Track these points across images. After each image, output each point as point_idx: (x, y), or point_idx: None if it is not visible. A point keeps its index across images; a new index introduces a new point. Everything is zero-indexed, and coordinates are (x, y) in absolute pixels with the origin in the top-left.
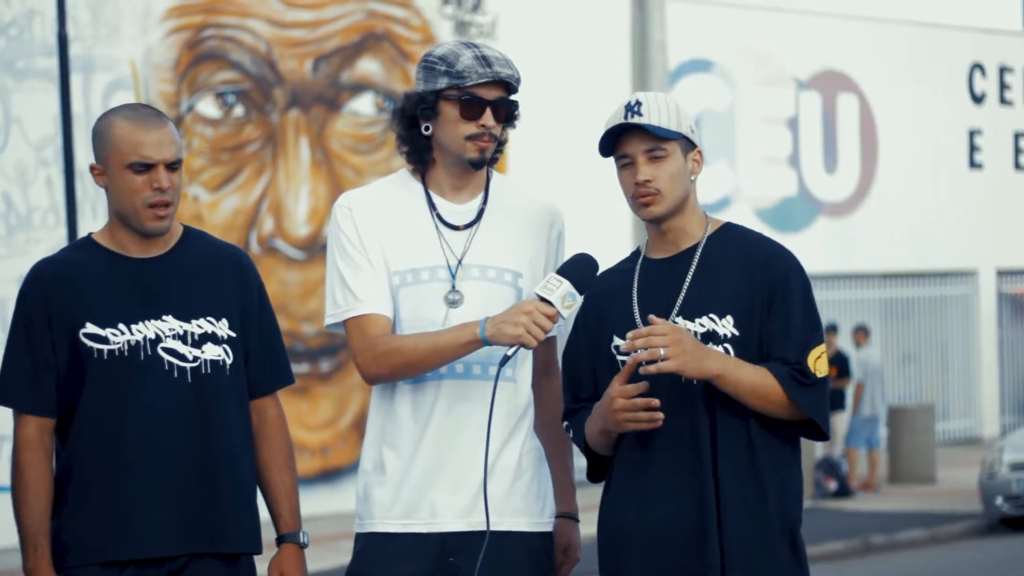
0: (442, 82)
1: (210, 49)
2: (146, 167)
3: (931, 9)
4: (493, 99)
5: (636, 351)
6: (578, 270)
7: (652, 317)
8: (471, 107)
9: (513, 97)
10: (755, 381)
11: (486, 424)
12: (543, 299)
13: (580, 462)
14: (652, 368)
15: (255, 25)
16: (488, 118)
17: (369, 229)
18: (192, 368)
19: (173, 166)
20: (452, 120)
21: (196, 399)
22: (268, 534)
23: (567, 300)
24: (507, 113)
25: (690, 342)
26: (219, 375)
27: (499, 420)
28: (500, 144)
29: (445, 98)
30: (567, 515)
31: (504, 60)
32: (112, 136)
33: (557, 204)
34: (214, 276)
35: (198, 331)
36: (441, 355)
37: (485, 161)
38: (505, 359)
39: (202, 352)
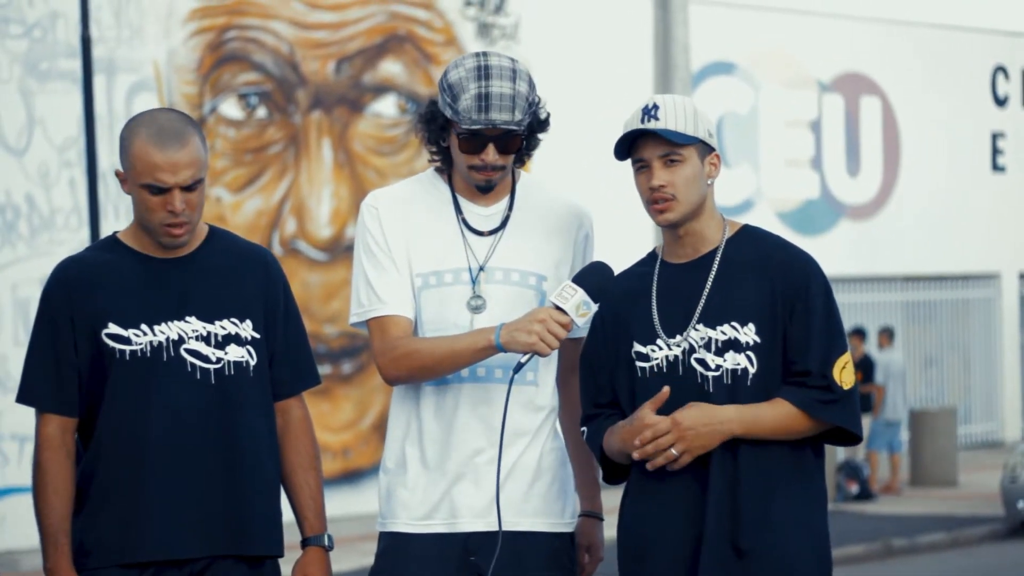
0: (447, 112)
1: (233, 51)
2: (161, 191)
3: (954, 12)
4: (496, 135)
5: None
6: (593, 278)
7: (646, 413)
8: (470, 143)
9: (523, 127)
10: (777, 421)
11: (515, 426)
12: (558, 307)
13: None
14: (675, 466)
15: (278, 27)
16: (490, 153)
17: (394, 229)
18: (215, 370)
19: (191, 187)
20: (456, 148)
21: (219, 400)
22: (293, 536)
23: (581, 308)
24: (520, 143)
25: (697, 423)
26: (242, 376)
27: (519, 421)
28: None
29: (452, 127)
30: (591, 514)
31: (509, 100)
32: (131, 153)
33: (585, 206)
34: (238, 277)
35: (221, 332)
36: (457, 359)
37: (491, 187)
38: (519, 366)
39: (225, 353)
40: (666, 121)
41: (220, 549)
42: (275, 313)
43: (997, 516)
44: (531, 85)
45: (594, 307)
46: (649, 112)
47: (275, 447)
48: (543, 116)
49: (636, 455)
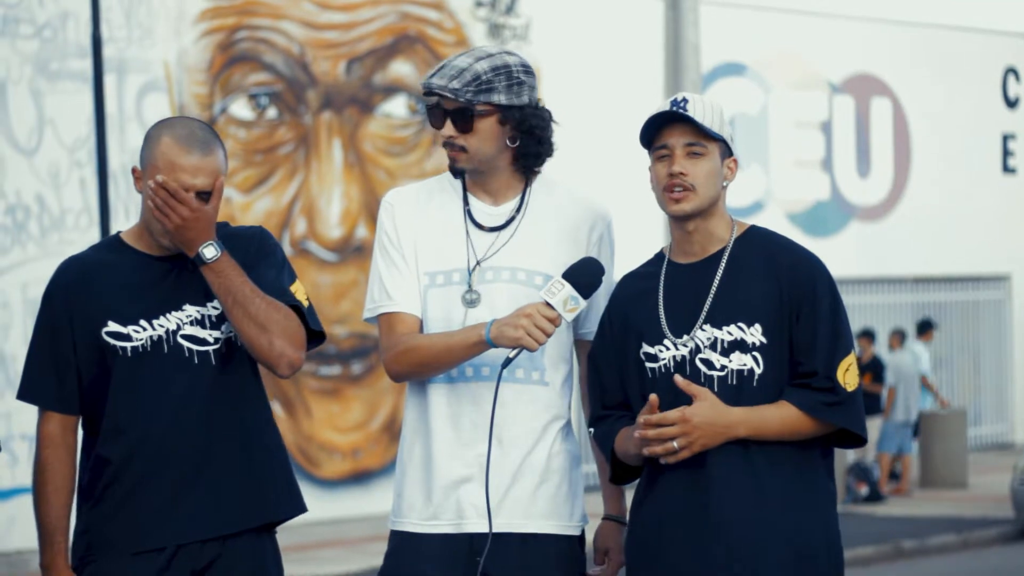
0: None
1: (243, 51)
2: None
3: (965, 13)
4: (453, 109)
5: (649, 439)
6: (582, 274)
7: (662, 416)
8: (432, 116)
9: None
10: (782, 423)
11: (522, 426)
12: (547, 303)
13: None
14: (671, 459)
15: (288, 27)
16: (448, 128)
17: (407, 227)
18: (214, 351)
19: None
20: None
21: (220, 381)
22: (299, 537)
23: (569, 304)
24: (472, 122)
25: (704, 423)
26: (239, 352)
27: (526, 422)
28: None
29: None
30: (612, 518)
31: (456, 70)
32: (154, 151)
33: (603, 206)
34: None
35: (215, 312)
36: (452, 355)
37: (460, 170)
38: (507, 361)
39: (221, 332)
40: (695, 114)
41: (236, 526)
42: (255, 264)
43: (1007, 518)
44: (497, 70)
45: (583, 303)
46: (679, 104)
47: (271, 414)
48: (532, 123)
49: (636, 434)
